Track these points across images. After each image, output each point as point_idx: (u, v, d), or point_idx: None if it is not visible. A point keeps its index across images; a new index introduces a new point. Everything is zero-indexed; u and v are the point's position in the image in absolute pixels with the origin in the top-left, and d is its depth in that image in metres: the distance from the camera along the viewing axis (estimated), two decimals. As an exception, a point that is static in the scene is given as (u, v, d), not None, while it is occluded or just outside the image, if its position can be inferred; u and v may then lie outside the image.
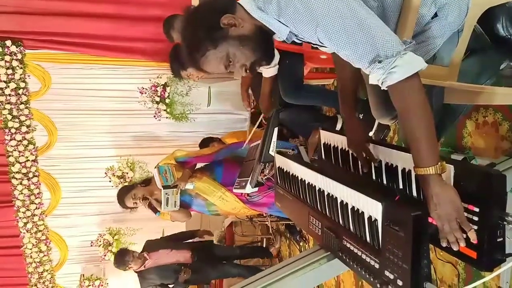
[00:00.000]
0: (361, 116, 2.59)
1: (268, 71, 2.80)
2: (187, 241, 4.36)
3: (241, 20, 1.20)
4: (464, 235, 1.08)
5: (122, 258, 3.86)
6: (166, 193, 3.00)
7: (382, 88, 1.12)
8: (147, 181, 3.28)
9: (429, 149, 1.08)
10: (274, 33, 1.24)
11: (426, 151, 1.08)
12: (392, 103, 1.13)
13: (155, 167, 3.16)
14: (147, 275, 3.88)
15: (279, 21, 1.18)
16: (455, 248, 1.10)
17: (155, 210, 3.15)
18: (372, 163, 1.46)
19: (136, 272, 3.89)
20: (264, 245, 5.06)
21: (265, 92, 2.86)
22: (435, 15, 1.27)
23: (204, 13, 1.23)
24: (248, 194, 2.59)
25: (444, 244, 1.12)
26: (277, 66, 2.68)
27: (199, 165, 3.36)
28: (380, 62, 1.06)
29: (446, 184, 1.10)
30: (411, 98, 1.08)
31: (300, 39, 1.28)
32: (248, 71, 1.27)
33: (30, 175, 4.53)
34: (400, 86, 1.06)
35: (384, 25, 1.11)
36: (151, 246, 4.02)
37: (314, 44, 1.32)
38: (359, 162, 1.51)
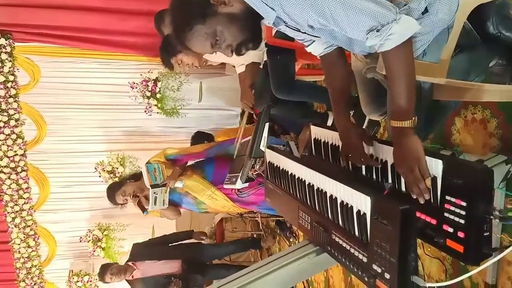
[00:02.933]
0: (351, 112, 2.61)
1: (240, 68, 2.98)
2: (181, 242, 4.21)
3: None
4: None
5: (102, 276, 3.76)
6: (155, 192, 2.97)
7: (377, 51, 1.17)
8: (137, 176, 3.25)
9: (410, 105, 1.19)
10: (263, 18, 1.24)
11: (407, 106, 1.19)
12: (379, 95, 1.16)
13: (145, 165, 3.12)
14: (136, 285, 3.82)
15: (266, 4, 1.18)
16: (421, 201, 1.17)
17: (144, 209, 3.11)
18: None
19: (126, 280, 3.83)
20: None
21: (246, 86, 2.94)
22: (426, 10, 1.27)
23: None
24: (238, 190, 2.59)
25: (414, 196, 1.19)
26: (245, 65, 2.82)
27: (190, 162, 3.34)
28: (378, 30, 1.11)
29: (415, 136, 1.20)
30: (404, 60, 1.17)
31: (289, 26, 1.29)
32: (233, 52, 1.27)
33: (19, 169, 4.50)
34: (396, 49, 1.14)
35: None
36: (138, 253, 3.87)
37: (302, 32, 1.32)
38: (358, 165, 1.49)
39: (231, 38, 1.25)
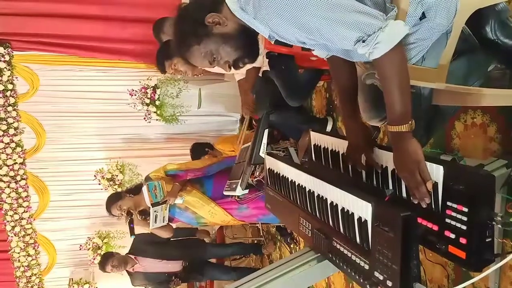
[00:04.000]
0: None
1: (238, 75, 3.00)
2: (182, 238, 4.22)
3: (225, 19, 1.25)
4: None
5: (103, 266, 3.77)
6: (155, 211, 2.96)
7: (368, 60, 1.17)
8: (137, 190, 3.24)
9: (406, 109, 1.18)
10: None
11: (403, 110, 1.18)
12: (379, 100, 1.16)
13: (144, 184, 3.10)
14: (137, 276, 3.84)
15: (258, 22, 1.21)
16: (423, 205, 1.17)
17: (132, 232, 3.09)
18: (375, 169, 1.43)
19: (126, 270, 3.84)
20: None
21: (246, 90, 2.97)
22: (423, 16, 1.27)
23: (192, 10, 1.29)
24: (238, 196, 2.59)
25: (415, 201, 1.19)
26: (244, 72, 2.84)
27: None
28: (364, 41, 1.11)
29: (413, 139, 1.20)
30: (395, 66, 1.16)
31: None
32: (231, 67, 1.34)
33: (18, 178, 4.49)
34: (385, 56, 1.13)
35: (357, 2, 1.13)
36: (141, 249, 3.88)
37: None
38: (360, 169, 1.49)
39: (227, 56, 1.30)
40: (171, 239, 4.02)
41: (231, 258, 4.77)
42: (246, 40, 1.30)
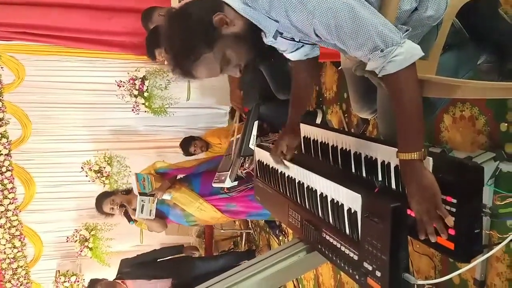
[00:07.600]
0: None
1: None
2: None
3: (231, 18, 1.14)
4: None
5: None
6: (142, 200, 2.96)
7: (378, 76, 1.11)
8: (128, 191, 3.26)
9: (417, 135, 1.10)
10: (262, 31, 1.20)
11: (415, 137, 1.10)
12: (369, 92, 1.14)
13: (135, 174, 3.11)
14: None
15: (269, 16, 1.14)
16: (433, 240, 1.10)
17: (130, 219, 3.09)
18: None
19: None
20: (244, 240, 5.06)
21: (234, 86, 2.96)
22: (415, 8, 1.27)
23: (194, 14, 1.13)
24: (228, 188, 2.59)
25: (422, 237, 1.11)
26: None
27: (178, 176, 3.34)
28: (382, 50, 1.07)
29: (427, 169, 1.11)
30: (408, 86, 1.09)
31: (285, 37, 1.26)
32: (241, 71, 1.22)
33: (4, 169, 4.42)
34: (399, 74, 1.08)
35: (380, 14, 1.11)
36: (128, 272, 3.77)
37: (303, 41, 1.31)
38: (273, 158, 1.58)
39: (239, 58, 1.18)
40: (158, 259, 4.00)
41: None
42: (255, 39, 1.20)
